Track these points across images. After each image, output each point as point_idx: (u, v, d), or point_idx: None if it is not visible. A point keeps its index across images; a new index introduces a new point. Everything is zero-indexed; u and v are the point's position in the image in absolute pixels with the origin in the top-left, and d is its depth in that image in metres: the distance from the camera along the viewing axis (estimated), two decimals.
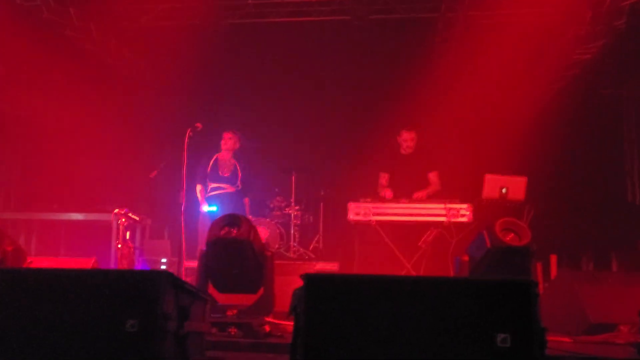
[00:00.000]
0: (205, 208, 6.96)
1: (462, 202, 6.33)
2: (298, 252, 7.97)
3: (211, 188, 7.01)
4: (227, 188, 6.96)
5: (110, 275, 3.30)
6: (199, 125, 5.96)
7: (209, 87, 8.52)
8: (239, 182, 7.01)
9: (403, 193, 6.57)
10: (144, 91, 8.25)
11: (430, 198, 6.55)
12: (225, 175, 7.01)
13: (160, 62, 7.99)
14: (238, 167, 7.04)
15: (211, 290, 4.80)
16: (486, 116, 7.64)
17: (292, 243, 7.97)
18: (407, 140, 6.73)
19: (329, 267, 6.98)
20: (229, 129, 7.18)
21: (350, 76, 8.55)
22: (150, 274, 3.24)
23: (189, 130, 5.82)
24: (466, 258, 4.71)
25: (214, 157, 7.09)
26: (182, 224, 5.62)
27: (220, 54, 8.30)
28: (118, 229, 6.62)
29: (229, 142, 7.07)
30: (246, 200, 7.14)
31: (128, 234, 6.72)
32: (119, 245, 6.55)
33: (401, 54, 8.09)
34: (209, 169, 7.04)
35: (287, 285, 5.81)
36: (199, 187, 7.04)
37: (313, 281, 2.97)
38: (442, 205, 6.32)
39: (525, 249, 4.52)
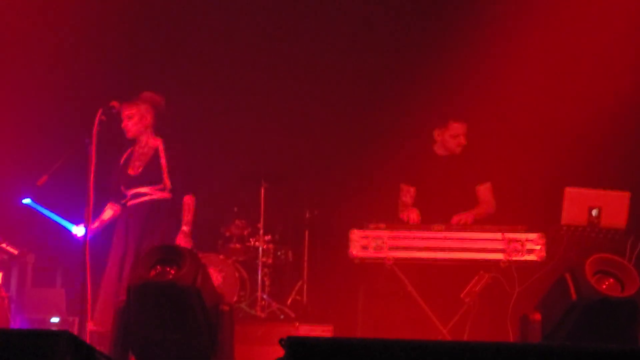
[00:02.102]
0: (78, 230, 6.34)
1: (529, 230, 6.34)
2: (269, 309, 8.01)
3: (129, 197, 6.56)
4: (148, 192, 6.50)
5: None
6: (114, 104, 5.94)
7: (133, 45, 8.51)
8: (164, 180, 6.49)
9: (439, 216, 6.58)
10: (25, 51, 8.23)
11: (480, 223, 6.56)
12: (137, 172, 6.52)
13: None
14: (160, 152, 6.54)
15: None
16: (566, 104, 7.69)
17: (260, 294, 8.00)
18: (457, 135, 6.78)
19: (318, 331, 7.03)
20: (126, 99, 6.51)
21: (359, 34, 8.58)
22: (39, 336, 3.24)
23: (99, 111, 5.81)
24: (538, 316, 4.72)
25: (128, 151, 6.67)
26: (87, 263, 5.59)
27: None
28: None
29: (128, 123, 6.50)
30: (186, 198, 6.50)
31: (0, 276, 6.69)
32: None
33: (436, 11, 8.19)
34: (120, 170, 6.61)
35: (254, 358, 5.86)
36: (108, 210, 6.60)
37: (299, 349, 3.00)
38: (498, 235, 6.33)
39: (630, 303, 4.54)
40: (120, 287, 5.91)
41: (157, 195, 6.49)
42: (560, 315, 4.62)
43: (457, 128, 6.80)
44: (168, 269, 4.71)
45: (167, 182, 6.47)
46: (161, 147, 6.55)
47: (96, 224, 6.47)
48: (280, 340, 3.11)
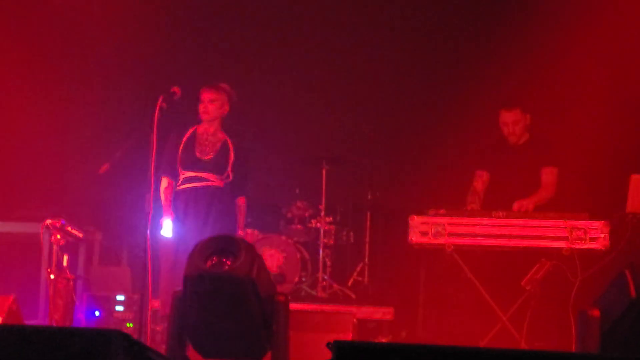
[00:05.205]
0: (165, 229, 6.41)
1: (593, 217, 6.22)
2: (330, 290, 8.02)
3: (183, 179, 6.57)
4: (210, 179, 6.52)
5: (22, 333, 3.30)
6: (175, 90, 5.91)
7: (191, 30, 8.54)
8: (229, 171, 6.57)
9: (508, 203, 6.54)
10: (89, 41, 8.29)
11: (542, 210, 6.47)
12: (208, 157, 6.57)
13: None
14: (230, 145, 6.62)
15: (191, 354, 4.81)
16: (632, 88, 7.51)
17: (321, 275, 8.01)
18: (508, 123, 6.75)
19: (380, 314, 7.06)
20: (209, 84, 6.67)
21: (427, 17, 8.53)
22: (93, 335, 3.24)
23: (160, 98, 5.81)
24: (596, 313, 4.61)
25: (190, 130, 6.68)
26: (149, 244, 5.63)
27: None
28: (50, 249, 6.52)
29: (210, 106, 6.58)
30: (241, 201, 6.68)
31: (65, 258, 6.69)
32: (52, 276, 6.45)
33: None
34: (180, 149, 6.60)
35: (310, 346, 5.84)
36: (164, 183, 6.58)
37: (346, 353, 2.98)
38: (561, 223, 6.21)
39: None
40: (176, 273, 5.92)
41: (217, 182, 6.55)
42: (619, 313, 4.51)
43: (505, 115, 6.75)
44: (224, 260, 4.70)
45: (230, 175, 6.57)
46: (231, 143, 6.62)
47: (163, 199, 6.53)
48: (328, 344, 3.09)
